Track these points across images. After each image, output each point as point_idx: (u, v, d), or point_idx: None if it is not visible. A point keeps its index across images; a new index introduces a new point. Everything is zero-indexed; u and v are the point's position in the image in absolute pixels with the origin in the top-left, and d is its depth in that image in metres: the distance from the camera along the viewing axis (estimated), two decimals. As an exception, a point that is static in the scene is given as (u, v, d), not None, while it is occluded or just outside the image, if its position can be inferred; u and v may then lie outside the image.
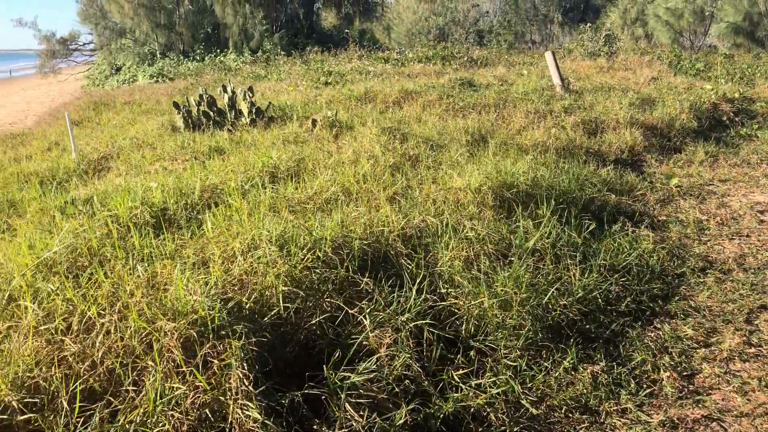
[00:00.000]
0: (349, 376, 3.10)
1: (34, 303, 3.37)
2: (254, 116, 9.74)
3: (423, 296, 3.71)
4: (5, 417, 2.73)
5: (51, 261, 3.91)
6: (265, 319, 3.35)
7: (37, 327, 3.20)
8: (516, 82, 12.53)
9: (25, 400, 2.79)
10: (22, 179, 6.55)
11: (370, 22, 35.12)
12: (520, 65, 17.53)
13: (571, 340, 3.78)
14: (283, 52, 24.95)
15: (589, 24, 22.29)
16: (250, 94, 10.07)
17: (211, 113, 9.94)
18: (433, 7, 30.62)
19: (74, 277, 3.79)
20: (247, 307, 3.38)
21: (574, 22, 29.12)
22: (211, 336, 3.05)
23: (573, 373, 3.54)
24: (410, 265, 4.02)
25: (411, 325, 3.51)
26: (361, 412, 2.95)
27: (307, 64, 19.78)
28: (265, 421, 2.76)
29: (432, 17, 29.83)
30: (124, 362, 3.00)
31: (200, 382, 2.84)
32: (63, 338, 3.14)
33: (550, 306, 3.91)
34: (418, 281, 3.80)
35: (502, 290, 3.84)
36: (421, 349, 3.48)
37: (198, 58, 26.80)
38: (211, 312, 3.13)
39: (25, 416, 2.74)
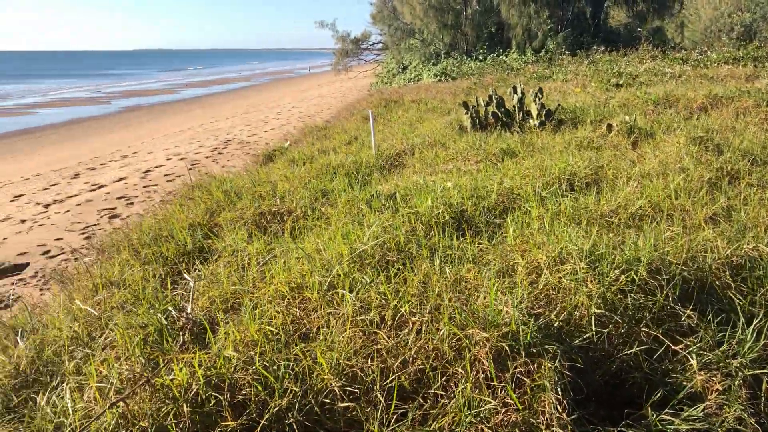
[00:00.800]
0: (673, 421, 2.76)
1: (351, 293, 3.56)
2: (543, 118, 9.50)
3: (762, 341, 3.18)
4: (328, 401, 2.89)
5: (364, 252, 4.12)
6: (576, 341, 3.14)
7: (354, 317, 3.37)
8: None
9: (345, 388, 2.94)
10: (331, 170, 7.13)
11: (661, 20, 32.62)
12: None
13: None
14: (567, 52, 24.26)
15: None
16: (540, 96, 9.85)
17: (500, 114, 9.93)
18: (738, 2, 27.39)
19: (384, 270, 3.95)
20: (555, 325, 3.20)
21: None
22: (522, 352, 2.93)
23: None
24: (742, 301, 3.49)
25: (746, 372, 3.02)
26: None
27: (594, 64, 18.95)
28: (579, 456, 2.56)
29: (737, 13, 26.70)
30: (434, 365, 3.01)
31: (512, 400, 2.73)
32: (377, 331, 3.26)
33: None
34: (755, 322, 3.28)
35: None
36: (757, 402, 2.98)
37: (480, 57, 27.26)
38: (523, 327, 3.01)
39: (345, 404, 2.88)
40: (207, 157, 14.07)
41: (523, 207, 5.08)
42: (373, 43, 38.87)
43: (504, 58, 25.87)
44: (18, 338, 3.68)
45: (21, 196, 12.21)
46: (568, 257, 3.73)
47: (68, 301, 3.81)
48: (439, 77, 24.17)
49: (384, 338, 3.18)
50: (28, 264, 7.97)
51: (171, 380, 2.89)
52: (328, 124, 14.41)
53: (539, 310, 3.28)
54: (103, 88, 60.38)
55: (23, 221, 9.83)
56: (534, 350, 2.96)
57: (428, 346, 3.09)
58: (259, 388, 2.91)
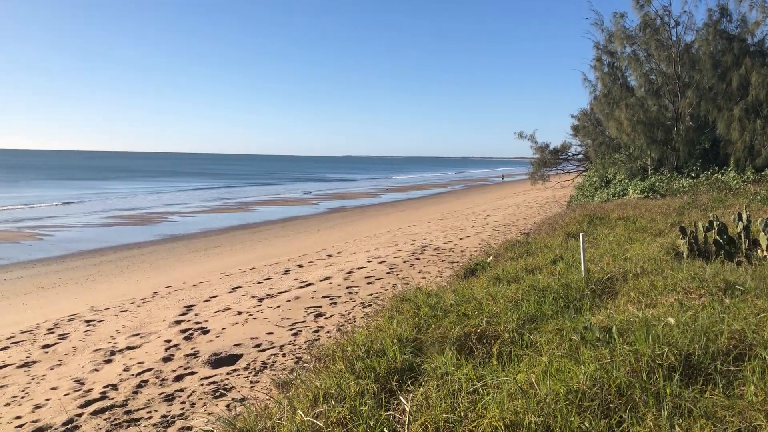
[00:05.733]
0: None
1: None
2: (775, 249, 8.63)
3: None
4: None
5: (581, 393, 3.92)
6: None
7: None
8: None
9: None
10: (538, 293, 6.97)
11: None
12: None
13: None
14: (795, 172, 22.13)
15: None
16: (771, 224, 8.99)
17: (722, 241, 9.20)
18: None
19: (604, 416, 3.71)
20: None
21: None
22: None
23: None
24: None
25: None
26: None
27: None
28: None
29: None
30: None
31: None
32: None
33: None
34: None
35: None
36: None
37: (693, 174, 25.79)
38: None
39: None
40: (405, 262, 14.64)
41: (761, 355, 4.56)
42: (573, 155, 38.97)
43: (719, 176, 24.24)
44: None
45: (239, 288, 13.45)
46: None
47: (290, 410, 4.02)
48: (646, 193, 23.14)
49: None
50: (241, 355, 8.60)
51: None
52: (529, 238, 14.18)
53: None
54: (314, 190, 68.38)
55: (240, 313, 10.78)
56: None
57: None
58: None
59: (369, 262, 15.11)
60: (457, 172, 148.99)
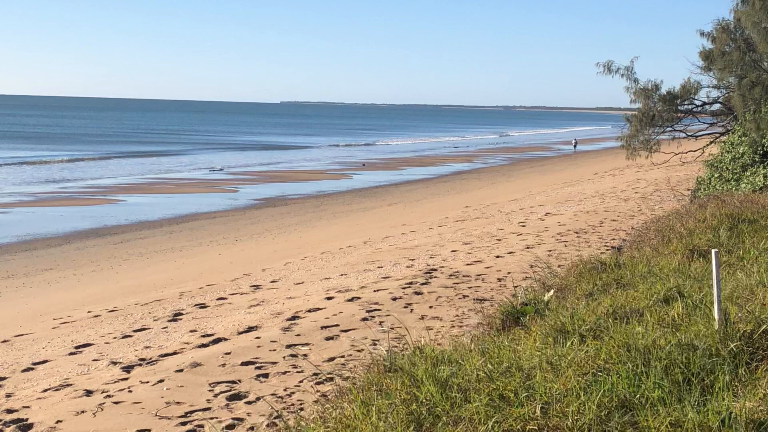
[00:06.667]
0: None
1: None
2: None
3: None
4: None
5: None
6: None
7: None
8: None
9: None
10: (637, 358, 4.12)
11: None
12: None
13: None
14: None
15: None
16: None
17: None
18: None
19: None
20: None
21: None
22: None
23: None
24: None
25: None
26: None
27: None
28: None
29: None
30: None
31: None
32: None
33: None
34: None
35: None
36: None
37: None
38: None
39: None
40: (396, 299, 8.84)
41: None
42: (703, 104, 24.04)
43: None
44: None
45: (88, 346, 8.20)
46: None
47: None
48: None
49: None
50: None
51: None
52: (621, 257, 8.76)
53: None
54: (230, 165, 43.08)
55: (89, 393, 6.28)
56: None
57: None
58: None
59: (329, 298, 9.30)
60: (499, 135, 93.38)
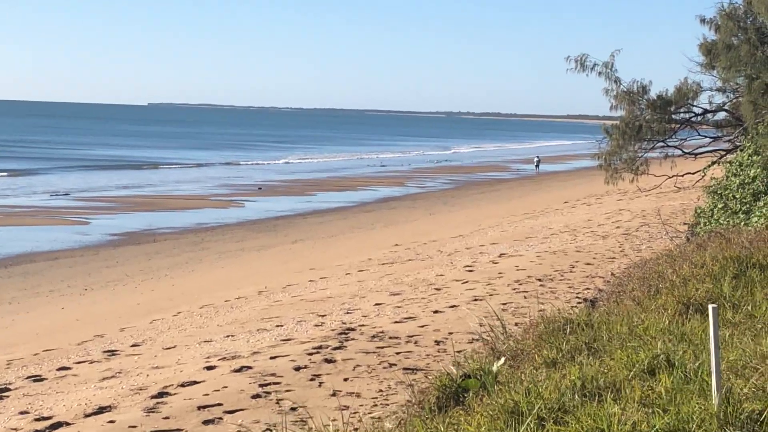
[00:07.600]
0: None
1: None
2: None
3: None
4: None
5: None
6: None
7: None
8: None
9: None
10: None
11: None
12: None
13: None
14: None
15: None
16: None
17: None
18: None
19: None
20: None
21: None
22: None
23: None
24: None
25: None
26: None
27: None
28: None
29: None
30: None
31: None
32: None
33: None
34: None
35: None
36: None
37: None
38: None
39: None
40: (299, 369, 7.02)
41: None
42: (704, 111, 19.77)
43: None
44: None
45: None
46: None
47: None
48: None
49: None
50: None
51: None
52: (594, 312, 7.33)
53: None
54: (77, 188, 35.01)
55: None
56: None
57: None
58: None
59: (210, 368, 7.46)
60: (441, 150, 78.22)
